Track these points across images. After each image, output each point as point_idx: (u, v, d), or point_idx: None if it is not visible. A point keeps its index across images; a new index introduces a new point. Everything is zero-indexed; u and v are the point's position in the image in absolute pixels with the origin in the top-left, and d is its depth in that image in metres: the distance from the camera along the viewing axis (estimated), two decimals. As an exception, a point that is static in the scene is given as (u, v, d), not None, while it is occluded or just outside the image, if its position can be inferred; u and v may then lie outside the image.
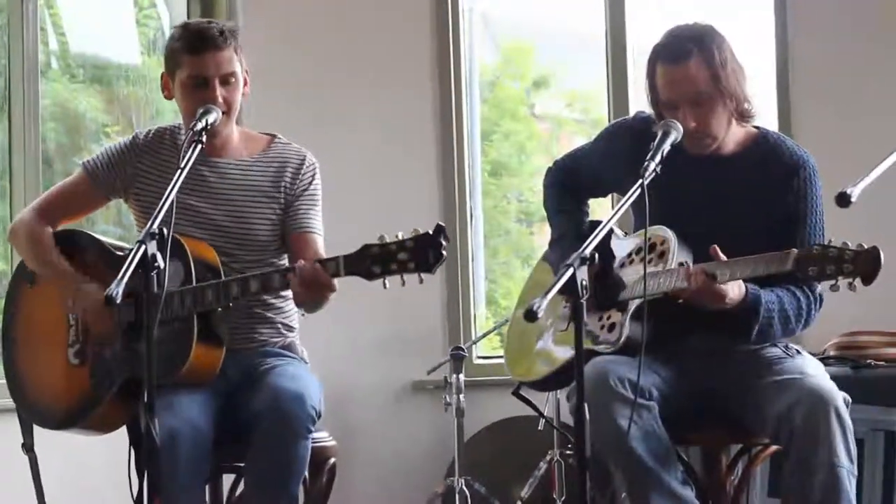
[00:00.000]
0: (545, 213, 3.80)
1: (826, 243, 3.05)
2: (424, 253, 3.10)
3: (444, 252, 3.09)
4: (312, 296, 3.32)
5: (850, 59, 5.35)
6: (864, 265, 2.97)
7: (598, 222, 3.23)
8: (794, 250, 3.10)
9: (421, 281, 3.12)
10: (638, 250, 3.44)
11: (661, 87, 3.38)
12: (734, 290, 3.22)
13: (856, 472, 3.21)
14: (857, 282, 2.98)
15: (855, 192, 2.94)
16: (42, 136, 5.56)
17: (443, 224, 3.12)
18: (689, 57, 3.33)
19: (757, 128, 3.52)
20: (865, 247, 2.99)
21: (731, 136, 3.45)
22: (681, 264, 3.29)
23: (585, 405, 2.78)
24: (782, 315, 3.33)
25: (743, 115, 3.42)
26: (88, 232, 3.76)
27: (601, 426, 3.21)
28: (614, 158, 3.54)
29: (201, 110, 3.40)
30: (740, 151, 3.47)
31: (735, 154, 3.47)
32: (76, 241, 3.68)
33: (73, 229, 3.75)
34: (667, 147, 3.18)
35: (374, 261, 3.14)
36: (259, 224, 3.62)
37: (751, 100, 3.41)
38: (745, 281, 3.23)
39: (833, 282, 3.01)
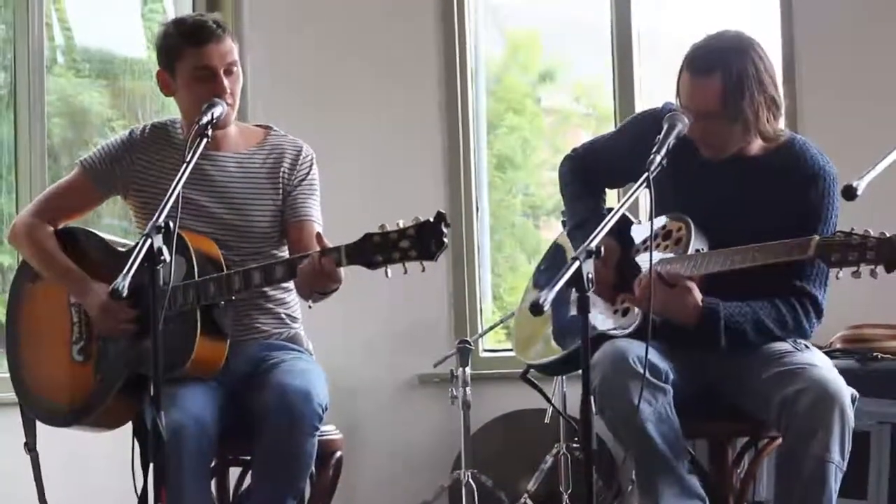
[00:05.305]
0: (562, 200, 3.78)
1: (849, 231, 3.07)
2: (426, 240, 3.09)
3: (446, 239, 3.10)
4: (316, 285, 3.32)
5: (857, 49, 5.33)
6: (888, 252, 2.99)
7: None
8: (817, 237, 3.13)
9: (423, 269, 3.11)
10: (655, 237, 3.45)
11: (680, 91, 3.40)
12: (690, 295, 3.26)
13: (844, 468, 3.22)
14: (880, 269, 3.00)
15: (861, 185, 2.96)
16: (48, 130, 5.57)
17: (443, 211, 3.12)
18: (709, 74, 3.32)
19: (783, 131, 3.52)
20: (888, 235, 3.01)
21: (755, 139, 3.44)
22: (697, 251, 3.31)
23: (591, 398, 2.78)
24: (756, 325, 3.34)
25: (761, 134, 3.40)
26: (89, 229, 3.76)
27: (616, 404, 3.23)
28: (639, 146, 3.51)
29: (206, 104, 3.39)
30: (763, 155, 3.46)
31: (758, 157, 3.46)
32: (78, 239, 3.68)
33: (75, 227, 3.74)
34: (672, 140, 3.20)
35: (375, 249, 3.13)
36: (259, 215, 3.62)
37: (773, 119, 3.38)
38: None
39: (855, 268, 3.03)
